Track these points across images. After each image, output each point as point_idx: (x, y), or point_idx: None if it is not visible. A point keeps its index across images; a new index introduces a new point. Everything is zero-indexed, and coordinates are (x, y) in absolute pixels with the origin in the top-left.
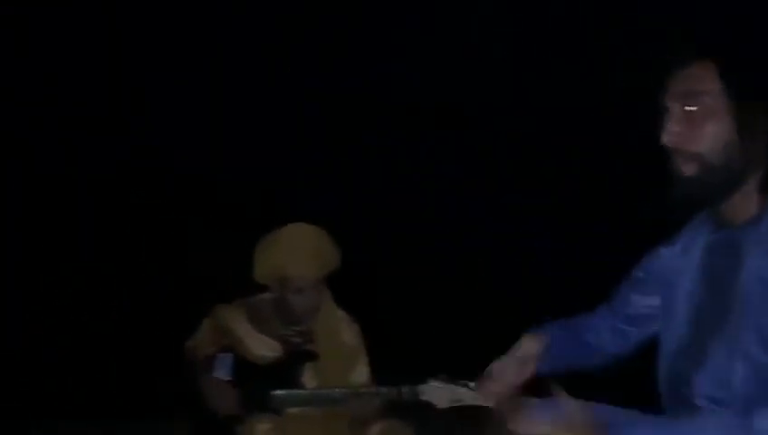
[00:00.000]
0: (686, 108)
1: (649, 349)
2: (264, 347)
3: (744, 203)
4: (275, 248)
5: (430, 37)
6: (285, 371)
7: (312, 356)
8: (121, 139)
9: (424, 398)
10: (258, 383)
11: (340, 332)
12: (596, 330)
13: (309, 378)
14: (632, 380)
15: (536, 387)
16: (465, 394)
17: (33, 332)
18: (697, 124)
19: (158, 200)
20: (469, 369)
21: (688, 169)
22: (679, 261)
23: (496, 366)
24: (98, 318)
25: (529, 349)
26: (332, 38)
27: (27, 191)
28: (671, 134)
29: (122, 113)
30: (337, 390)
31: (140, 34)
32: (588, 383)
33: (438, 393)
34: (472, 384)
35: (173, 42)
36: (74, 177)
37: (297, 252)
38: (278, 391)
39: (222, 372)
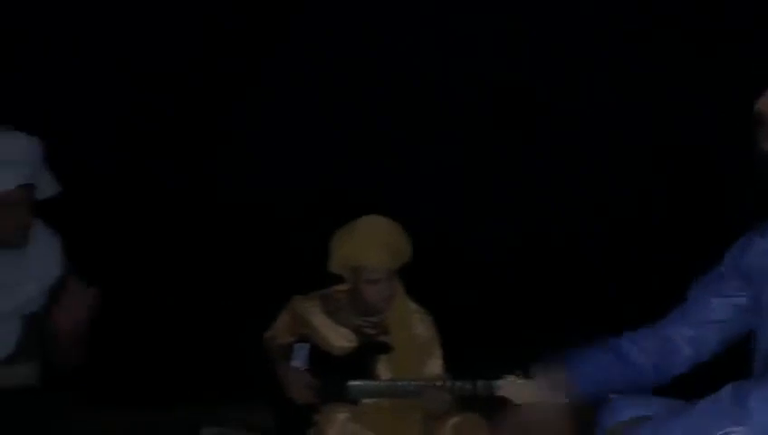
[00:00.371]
0: None
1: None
2: (339, 338)
3: None
4: (350, 239)
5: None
6: (360, 361)
7: (386, 348)
8: (203, 148)
9: (500, 393)
10: (334, 373)
11: (413, 324)
12: (647, 346)
13: (383, 369)
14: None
15: None
16: (542, 391)
17: (124, 326)
18: None
19: (234, 203)
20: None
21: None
22: None
23: None
24: (183, 310)
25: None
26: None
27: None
28: (763, 100)
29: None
30: (412, 382)
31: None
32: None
33: (514, 389)
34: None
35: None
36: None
37: (371, 243)
38: (354, 382)
39: (299, 362)
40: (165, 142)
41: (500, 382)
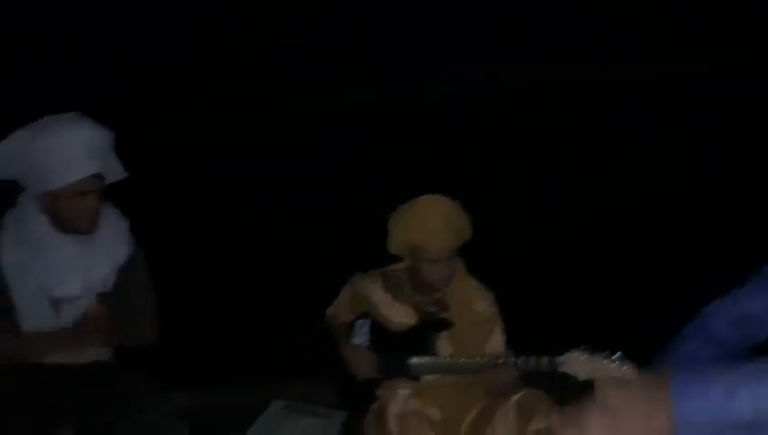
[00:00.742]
0: None
1: None
2: (400, 315)
3: None
4: (410, 219)
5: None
6: (421, 338)
7: (446, 324)
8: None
9: (563, 369)
10: (395, 350)
11: (474, 301)
12: (730, 323)
13: (444, 346)
14: None
15: None
16: (610, 367)
17: (199, 302)
18: None
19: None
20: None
21: None
22: None
23: None
24: (251, 288)
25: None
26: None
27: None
28: None
29: None
30: (473, 359)
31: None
32: None
33: (579, 365)
34: (616, 356)
35: None
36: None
37: (431, 223)
38: (415, 359)
39: (360, 339)
40: (167, 140)
41: (564, 358)
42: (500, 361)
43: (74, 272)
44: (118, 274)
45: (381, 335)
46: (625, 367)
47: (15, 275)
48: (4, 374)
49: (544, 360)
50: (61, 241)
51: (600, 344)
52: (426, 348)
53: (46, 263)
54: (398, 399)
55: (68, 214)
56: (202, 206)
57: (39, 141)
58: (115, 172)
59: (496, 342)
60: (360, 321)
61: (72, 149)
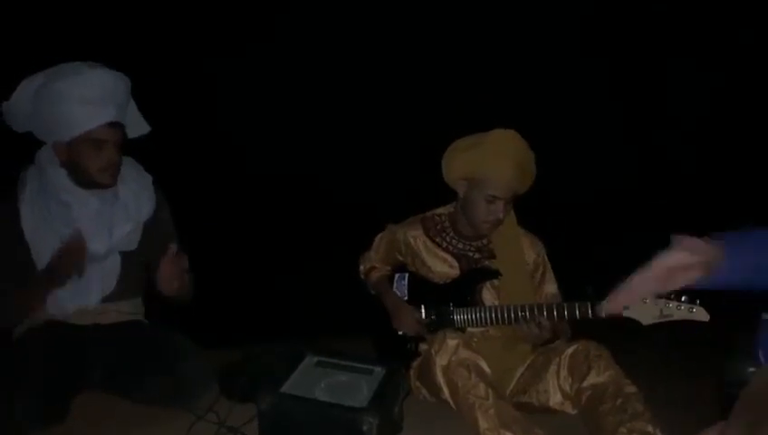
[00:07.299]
0: None
1: None
2: (441, 264)
3: None
4: (480, 148)
5: None
6: (464, 289)
7: (492, 274)
8: None
9: (626, 314)
10: (436, 302)
11: (522, 249)
12: None
13: (489, 296)
14: None
15: None
16: (676, 309)
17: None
18: None
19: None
20: None
21: None
22: None
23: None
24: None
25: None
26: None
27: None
28: None
29: None
30: (521, 308)
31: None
32: None
33: (645, 309)
34: (684, 298)
35: None
36: None
37: (504, 157)
38: (459, 310)
39: (400, 292)
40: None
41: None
42: (549, 309)
43: (97, 230)
44: (143, 230)
45: (421, 288)
46: (695, 309)
47: (35, 233)
48: (36, 332)
49: (606, 305)
50: (83, 197)
51: None
52: (470, 298)
53: (68, 221)
54: (446, 349)
55: (87, 166)
56: (230, 158)
57: (53, 86)
58: (137, 126)
59: (551, 289)
60: (399, 274)
61: (88, 95)
